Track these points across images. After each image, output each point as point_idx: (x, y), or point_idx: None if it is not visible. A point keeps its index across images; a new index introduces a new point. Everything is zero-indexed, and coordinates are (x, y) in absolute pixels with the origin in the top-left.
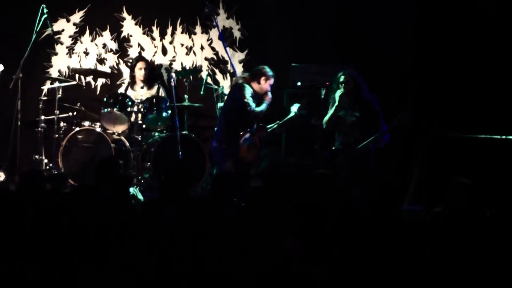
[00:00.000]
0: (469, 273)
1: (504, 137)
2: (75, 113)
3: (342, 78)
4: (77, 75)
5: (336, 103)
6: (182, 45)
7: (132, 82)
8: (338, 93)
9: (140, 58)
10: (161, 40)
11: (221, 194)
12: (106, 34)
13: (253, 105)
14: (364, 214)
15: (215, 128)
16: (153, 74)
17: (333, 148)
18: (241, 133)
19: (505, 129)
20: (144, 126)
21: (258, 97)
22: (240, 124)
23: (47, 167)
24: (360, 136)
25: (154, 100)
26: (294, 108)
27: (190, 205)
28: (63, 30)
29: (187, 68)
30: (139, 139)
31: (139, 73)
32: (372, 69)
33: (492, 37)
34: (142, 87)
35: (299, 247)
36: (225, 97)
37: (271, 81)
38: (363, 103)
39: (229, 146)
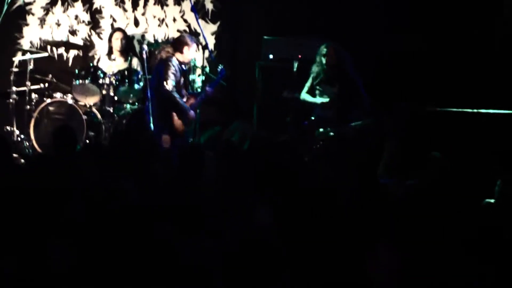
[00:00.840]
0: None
1: (476, 110)
2: (46, 84)
3: (324, 51)
4: (49, 47)
5: (313, 75)
6: (154, 16)
7: (109, 53)
8: (315, 66)
9: (117, 28)
10: (133, 11)
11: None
12: (78, 5)
13: (171, 83)
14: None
15: (146, 103)
16: (131, 45)
17: (312, 118)
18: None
19: (476, 102)
20: (116, 98)
21: (185, 68)
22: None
23: (19, 139)
24: (336, 113)
25: (126, 72)
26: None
27: (150, 179)
28: (34, 1)
29: (159, 40)
30: (111, 111)
31: (116, 43)
32: (348, 44)
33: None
34: (114, 59)
35: (271, 218)
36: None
37: (194, 47)
38: (345, 80)
39: (162, 121)
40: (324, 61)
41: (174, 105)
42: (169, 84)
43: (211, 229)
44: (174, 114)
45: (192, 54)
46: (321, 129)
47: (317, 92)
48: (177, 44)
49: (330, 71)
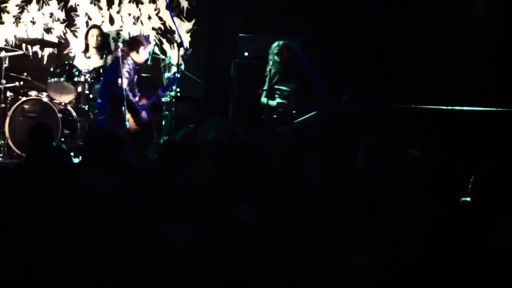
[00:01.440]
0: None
1: (450, 107)
2: (21, 83)
3: (276, 49)
4: (23, 45)
5: (269, 76)
6: (130, 14)
7: (85, 51)
8: (268, 66)
9: (93, 25)
10: (108, 9)
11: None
12: (53, 3)
13: (126, 82)
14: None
15: (98, 101)
16: (106, 42)
17: (275, 116)
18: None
19: (451, 99)
20: (91, 96)
21: (139, 68)
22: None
23: None
24: (296, 108)
25: (101, 70)
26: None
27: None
28: None
29: None
30: (86, 109)
31: (92, 40)
32: (321, 42)
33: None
34: (90, 57)
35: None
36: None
37: (150, 47)
38: (299, 74)
39: (114, 119)
40: (277, 59)
41: (127, 104)
42: (124, 83)
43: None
44: (127, 112)
45: (146, 55)
46: (283, 127)
47: (276, 92)
48: (134, 43)
49: (285, 69)
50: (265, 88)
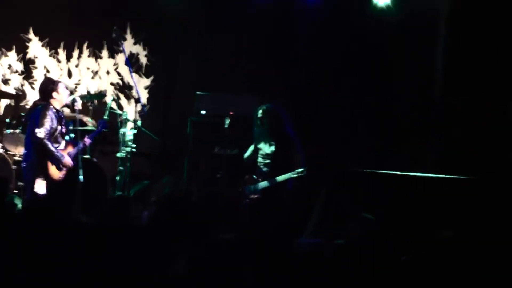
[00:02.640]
0: None
1: (404, 173)
2: None
3: (259, 113)
4: None
5: (255, 136)
6: (88, 68)
7: None
8: (255, 128)
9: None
10: (67, 63)
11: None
12: (12, 54)
13: (43, 131)
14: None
15: (24, 151)
16: None
17: (254, 176)
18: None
19: (405, 165)
20: None
21: (62, 115)
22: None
23: None
24: (270, 170)
25: None
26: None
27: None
28: None
29: (92, 92)
30: None
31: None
32: (278, 100)
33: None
34: None
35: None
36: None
37: (62, 85)
38: (281, 137)
39: (37, 165)
40: (259, 122)
41: (47, 152)
42: (41, 132)
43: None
44: (48, 161)
45: (65, 93)
46: (252, 186)
47: (260, 153)
48: (44, 93)
49: (266, 132)
50: (251, 147)
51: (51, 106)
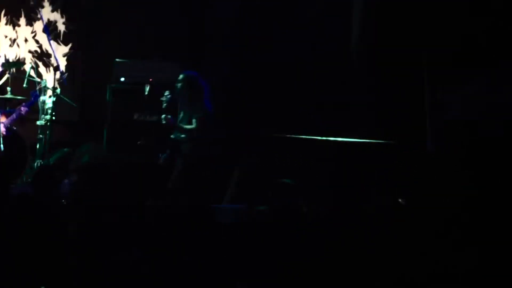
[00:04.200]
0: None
1: (324, 138)
2: None
3: (179, 82)
4: None
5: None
6: (6, 36)
7: None
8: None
9: None
10: None
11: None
12: None
13: None
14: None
15: None
16: None
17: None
18: None
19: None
20: None
21: None
22: None
23: None
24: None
25: None
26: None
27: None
28: None
29: (10, 60)
30: None
31: None
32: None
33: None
34: None
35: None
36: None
37: None
38: (198, 107)
39: None
40: (177, 91)
41: None
42: None
43: None
44: None
45: None
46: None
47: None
48: None
49: (186, 99)
50: (179, 112)
51: None
